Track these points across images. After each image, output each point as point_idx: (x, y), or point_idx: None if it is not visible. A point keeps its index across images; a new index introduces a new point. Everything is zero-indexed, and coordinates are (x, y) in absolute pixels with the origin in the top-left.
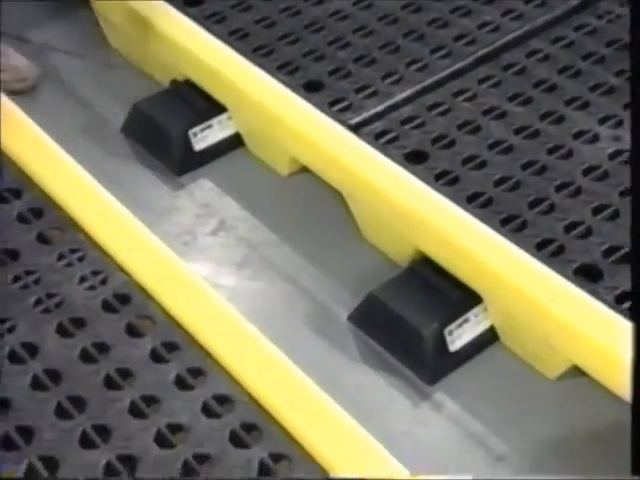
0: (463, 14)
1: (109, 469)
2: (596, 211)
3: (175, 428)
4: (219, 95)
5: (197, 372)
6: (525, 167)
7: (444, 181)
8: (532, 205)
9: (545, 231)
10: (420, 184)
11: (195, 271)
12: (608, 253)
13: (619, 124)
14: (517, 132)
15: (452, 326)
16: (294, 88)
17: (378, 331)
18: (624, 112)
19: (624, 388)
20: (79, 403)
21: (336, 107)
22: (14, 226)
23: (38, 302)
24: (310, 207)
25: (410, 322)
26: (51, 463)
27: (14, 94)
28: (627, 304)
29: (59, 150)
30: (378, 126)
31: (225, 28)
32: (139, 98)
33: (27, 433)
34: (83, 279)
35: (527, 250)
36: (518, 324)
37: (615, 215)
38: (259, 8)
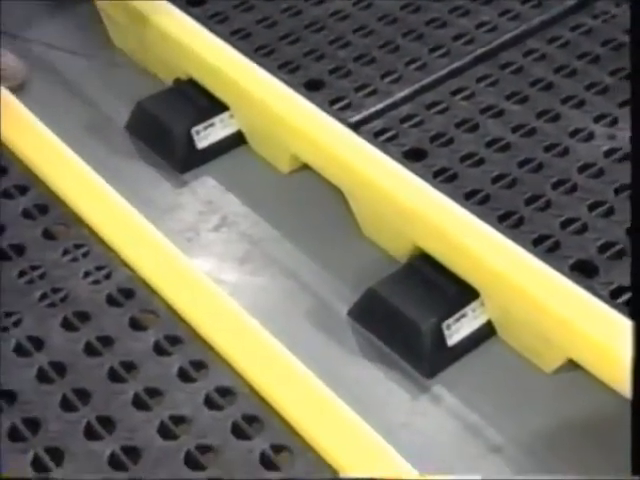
0: (461, 14)
1: (113, 460)
2: (591, 208)
3: (178, 420)
4: (221, 94)
5: (200, 365)
6: (522, 164)
7: (442, 178)
8: (529, 202)
9: (541, 227)
10: (419, 181)
11: (198, 267)
12: (603, 249)
13: (614, 122)
14: (514, 130)
15: (450, 321)
16: (295, 87)
17: (377, 325)
18: (619, 110)
19: (619, 381)
20: (84, 395)
21: (336, 105)
22: (20, 222)
23: (43, 296)
24: (311, 204)
25: (409, 317)
26: (56, 454)
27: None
28: (622, 299)
29: (64, 147)
30: (377, 124)
31: (227, 28)
32: (143, 97)
33: (33, 424)
34: (88, 274)
35: (524, 246)
36: (515, 319)
37: (610, 212)
38: (261, 8)
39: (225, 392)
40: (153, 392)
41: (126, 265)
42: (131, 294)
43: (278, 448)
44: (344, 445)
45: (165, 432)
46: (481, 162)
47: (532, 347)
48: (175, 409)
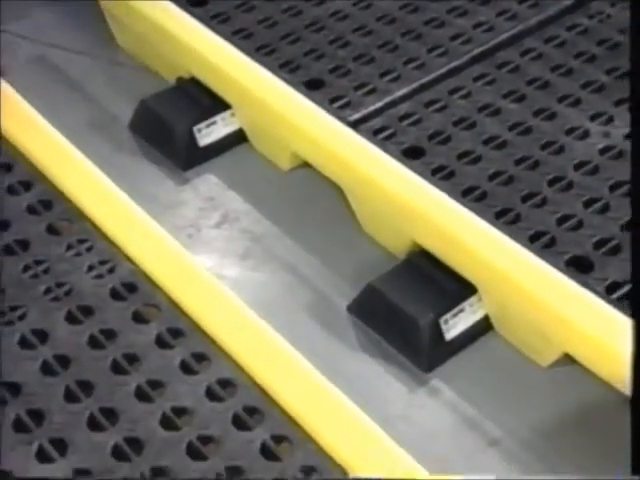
0: (459, 14)
1: (116, 450)
2: (587, 204)
3: (180, 411)
4: (223, 92)
5: (201, 357)
6: (518, 162)
7: (440, 176)
8: (525, 199)
9: (538, 224)
10: (417, 179)
11: (200, 262)
12: (599, 245)
13: (609, 120)
14: (511, 128)
15: (448, 316)
16: (295, 86)
17: (376, 320)
18: (614, 109)
19: (613, 375)
20: (87, 387)
21: (336, 104)
22: (24, 217)
23: (48, 290)
24: (311, 201)
25: (407, 312)
26: (60, 445)
27: None
28: (617, 294)
29: (68, 145)
30: (377, 122)
31: (229, 28)
32: (146, 95)
33: (37, 416)
34: (91, 268)
35: (520, 242)
36: (511, 313)
37: (605, 208)
38: (262, 8)
39: (226, 384)
40: (155, 384)
41: (129, 260)
42: (134, 288)
43: (278, 439)
44: (343, 436)
45: (167, 423)
46: (478, 160)
47: (528, 341)
48: (177, 401)
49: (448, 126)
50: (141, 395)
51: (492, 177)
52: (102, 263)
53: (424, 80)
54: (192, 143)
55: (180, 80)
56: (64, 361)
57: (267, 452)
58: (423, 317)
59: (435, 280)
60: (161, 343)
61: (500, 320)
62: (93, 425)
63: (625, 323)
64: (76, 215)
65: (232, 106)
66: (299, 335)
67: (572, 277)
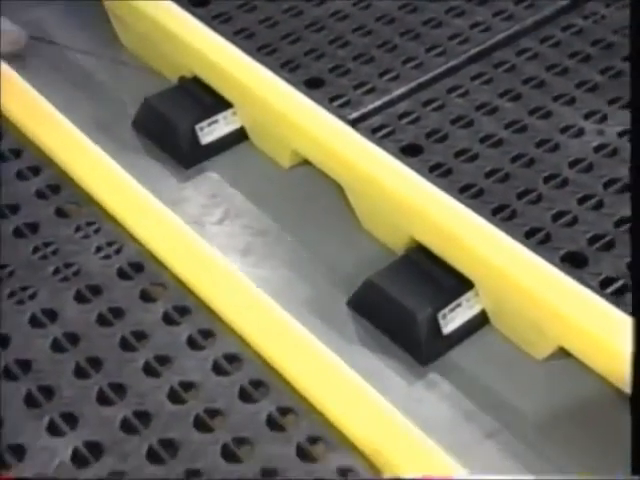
0: (457, 14)
1: (125, 424)
2: (581, 201)
3: (187, 385)
4: (225, 91)
5: (207, 333)
6: (514, 160)
7: (438, 173)
8: (521, 195)
9: (533, 220)
10: (415, 176)
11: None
12: (593, 241)
13: (603, 119)
14: (507, 127)
15: (445, 310)
16: (296, 85)
17: (375, 315)
18: (608, 108)
19: (608, 369)
20: (96, 363)
21: (336, 103)
22: (33, 201)
23: (57, 271)
24: (311, 198)
25: (405, 306)
26: (70, 419)
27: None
28: (611, 289)
29: (75, 131)
30: (375, 121)
31: (230, 28)
32: (149, 94)
33: (48, 391)
34: (99, 249)
35: (516, 238)
36: (507, 308)
37: (599, 205)
38: (263, 9)
39: (232, 359)
40: (163, 359)
41: (135, 240)
42: (141, 268)
43: (284, 410)
44: (348, 407)
45: (175, 397)
46: (475, 157)
47: (524, 335)
48: (184, 375)
49: (446, 124)
50: (149, 370)
51: (489, 174)
52: (109, 244)
53: (422, 79)
54: (194, 141)
55: (182, 79)
56: (73, 338)
57: (273, 423)
58: (421, 311)
59: (433, 275)
60: (168, 320)
61: (496, 314)
62: (102, 400)
63: (618, 317)
64: (84, 199)
65: (234, 105)
66: None
67: (567, 272)
